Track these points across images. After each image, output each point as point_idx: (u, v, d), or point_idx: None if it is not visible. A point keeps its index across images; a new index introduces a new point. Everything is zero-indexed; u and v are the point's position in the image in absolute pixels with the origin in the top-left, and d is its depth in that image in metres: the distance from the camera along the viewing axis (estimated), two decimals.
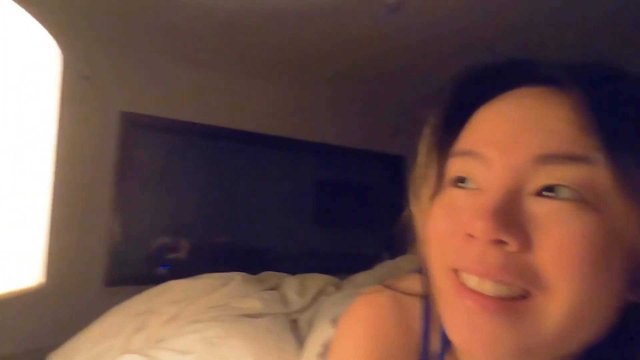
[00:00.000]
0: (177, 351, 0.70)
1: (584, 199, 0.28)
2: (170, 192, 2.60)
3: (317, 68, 2.34)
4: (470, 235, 0.29)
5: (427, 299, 0.41)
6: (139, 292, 1.05)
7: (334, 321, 0.73)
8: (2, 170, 0.32)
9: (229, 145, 2.73)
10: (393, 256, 1.54)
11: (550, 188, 0.28)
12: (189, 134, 2.48)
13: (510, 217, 0.28)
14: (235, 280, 1.06)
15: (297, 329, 0.90)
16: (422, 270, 0.40)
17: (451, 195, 0.33)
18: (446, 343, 0.38)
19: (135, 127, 2.22)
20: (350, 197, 3.13)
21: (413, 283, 0.42)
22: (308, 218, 3.03)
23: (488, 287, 0.29)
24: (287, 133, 2.62)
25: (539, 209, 0.28)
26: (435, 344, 0.39)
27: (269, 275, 1.29)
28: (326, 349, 0.68)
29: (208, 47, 2.09)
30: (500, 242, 0.28)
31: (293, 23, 1.81)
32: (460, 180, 0.33)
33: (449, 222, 0.32)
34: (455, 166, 0.34)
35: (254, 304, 0.97)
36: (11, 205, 0.33)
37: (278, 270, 1.34)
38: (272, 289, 1.13)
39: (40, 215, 0.37)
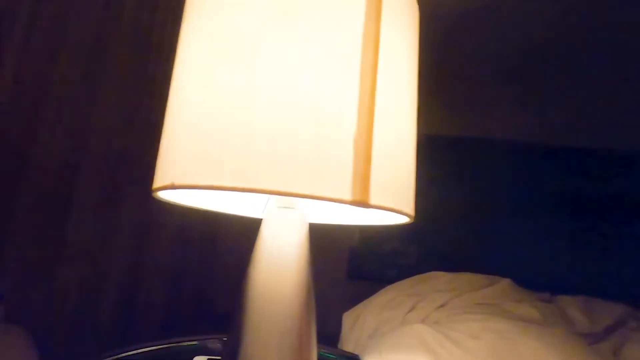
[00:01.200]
0: (465, 334, 0.71)
1: None
2: None
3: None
4: None
5: None
6: (372, 287, 1.15)
7: None
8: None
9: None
10: None
11: None
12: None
13: None
14: (502, 283, 0.99)
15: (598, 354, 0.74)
16: None
17: None
18: None
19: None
20: None
21: None
22: (564, 239, 2.49)
23: None
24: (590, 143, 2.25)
25: None
26: None
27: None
28: None
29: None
30: None
31: None
32: None
33: None
34: None
35: (530, 311, 0.87)
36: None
37: None
38: (545, 301, 0.99)
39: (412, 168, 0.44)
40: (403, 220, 0.43)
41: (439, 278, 1.04)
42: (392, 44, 0.37)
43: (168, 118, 0.36)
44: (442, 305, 0.91)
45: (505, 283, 0.99)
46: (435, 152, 2.63)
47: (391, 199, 0.35)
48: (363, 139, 0.33)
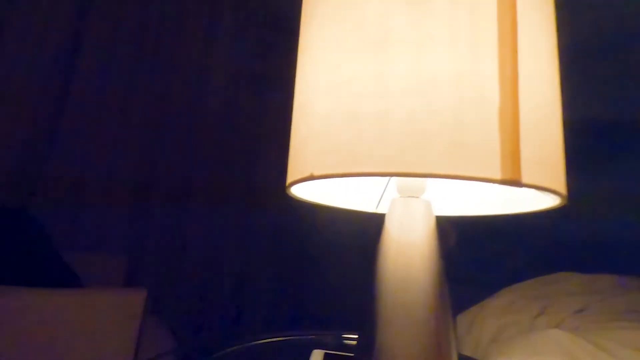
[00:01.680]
0: (620, 343, 0.60)
1: None
2: None
3: None
4: None
5: None
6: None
7: None
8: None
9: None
10: None
11: None
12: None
13: None
14: None
15: None
16: None
17: None
18: None
19: None
20: None
21: None
22: None
23: None
24: None
25: None
26: None
27: None
28: None
29: None
30: None
31: None
32: None
33: None
34: None
35: None
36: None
37: None
38: None
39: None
40: (549, 203, 0.38)
41: (570, 280, 0.91)
42: (529, 9, 0.33)
43: (297, 114, 0.38)
44: (580, 310, 0.79)
45: None
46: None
47: (543, 176, 0.31)
48: (508, 113, 0.30)
